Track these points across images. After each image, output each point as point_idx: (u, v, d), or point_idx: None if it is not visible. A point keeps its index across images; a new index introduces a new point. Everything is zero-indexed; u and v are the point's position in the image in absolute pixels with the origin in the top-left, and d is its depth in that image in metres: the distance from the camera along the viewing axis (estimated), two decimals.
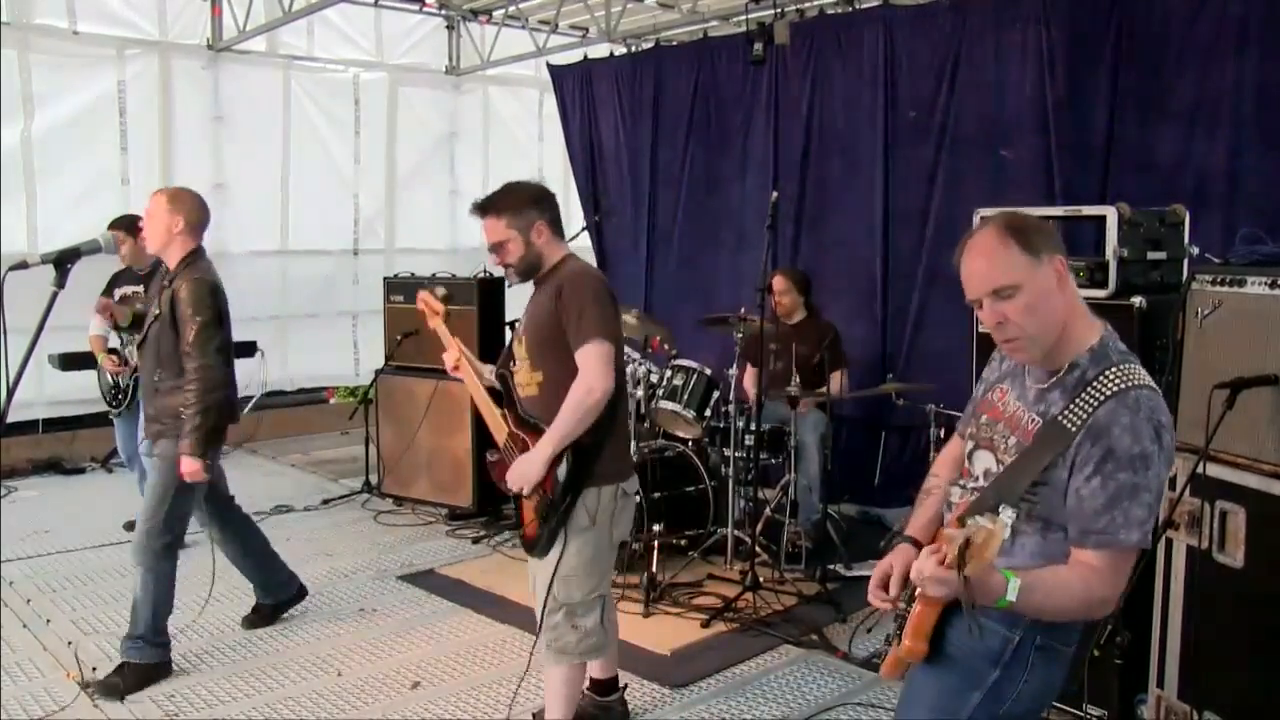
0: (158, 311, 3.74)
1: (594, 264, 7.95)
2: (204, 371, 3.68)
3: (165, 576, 3.84)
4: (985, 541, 1.63)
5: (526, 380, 3.07)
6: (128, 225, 5.32)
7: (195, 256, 3.82)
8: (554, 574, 3.01)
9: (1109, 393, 1.81)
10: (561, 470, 2.95)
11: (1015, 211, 1.97)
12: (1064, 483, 1.84)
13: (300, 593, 4.50)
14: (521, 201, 3.03)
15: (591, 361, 2.91)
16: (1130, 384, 1.82)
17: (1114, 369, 1.85)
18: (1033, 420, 1.92)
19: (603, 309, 2.97)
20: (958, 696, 1.94)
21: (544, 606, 3.05)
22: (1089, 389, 1.84)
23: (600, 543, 3.05)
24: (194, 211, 3.82)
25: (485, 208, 3.04)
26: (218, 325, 3.75)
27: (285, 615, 4.50)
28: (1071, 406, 1.84)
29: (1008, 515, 1.71)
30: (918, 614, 1.89)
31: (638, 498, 4.75)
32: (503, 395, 3.16)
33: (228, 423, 3.90)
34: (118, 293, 5.36)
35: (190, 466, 3.69)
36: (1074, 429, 1.82)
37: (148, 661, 3.82)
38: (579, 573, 3.02)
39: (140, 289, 5.38)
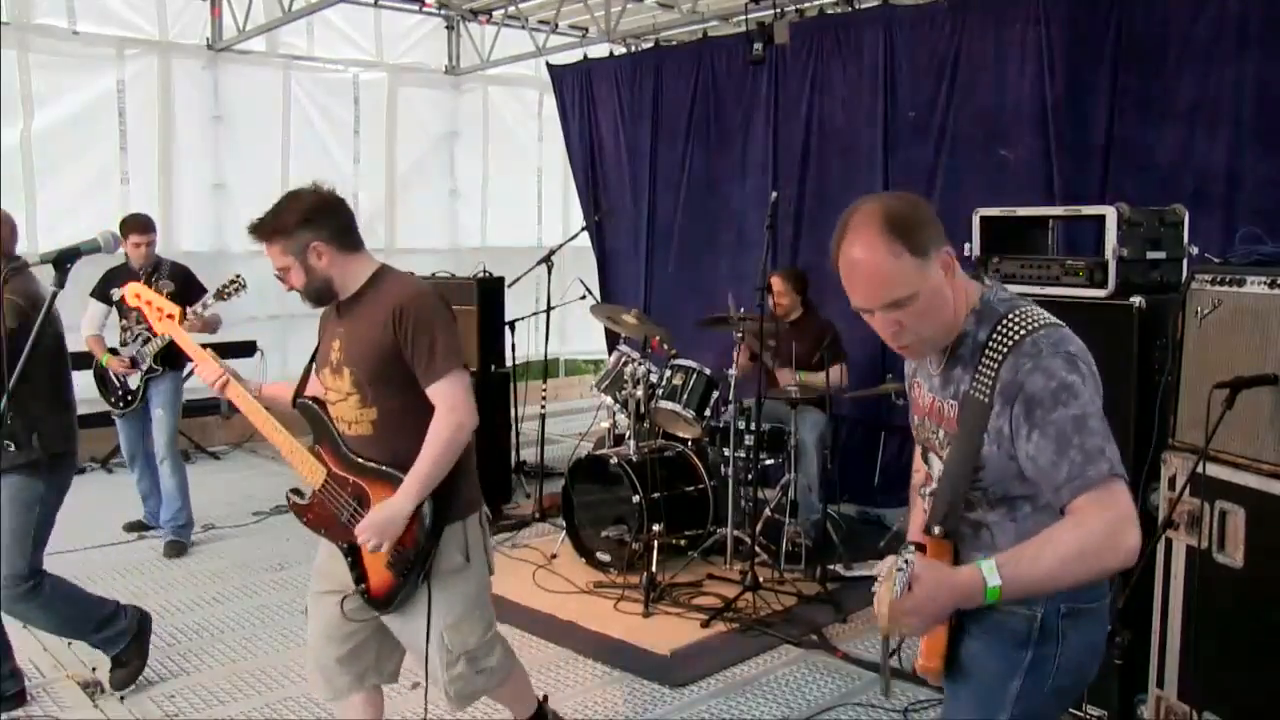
0: None
1: (595, 261, 7.99)
2: None
3: (54, 591, 3.59)
4: (882, 598, 1.64)
5: (354, 417, 2.67)
6: (132, 224, 5.31)
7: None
8: (429, 625, 2.66)
9: (1005, 348, 1.74)
10: (425, 517, 2.59)
11: (893, 201, 1.78)
12: (999, 456, 1.76)
13: (20, 697, 3.70)
14: (292, 222, 2.60)
15: (457, 395, 2.59)
16: (1023, 331, 1.74)
17: (1003, 322, 1.77)
18: (950, 406, 1.86)
19: (452, 333, 2.63)
20: (998, 690, 1.87)
21: (426, 659, 2.73)
22: (986, 352, 1.76)
23: (480, 577, 2.77)
24: None
25: (258, 232, 2.64)
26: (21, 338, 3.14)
27: (286, 617, 4.50)
28: (976, 376, 1.76)
29: (903, 560, 1.65)
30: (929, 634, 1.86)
31: (636, 499, 4.80)
32: (314, 428, 2.78)
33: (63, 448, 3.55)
34: (115, 292, 5.28)
35: None
36: (986, 398, 1.75)
37: (128, 636, 3.75)
38: (469, 615, 2.73)
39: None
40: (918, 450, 2.10)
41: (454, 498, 2.67)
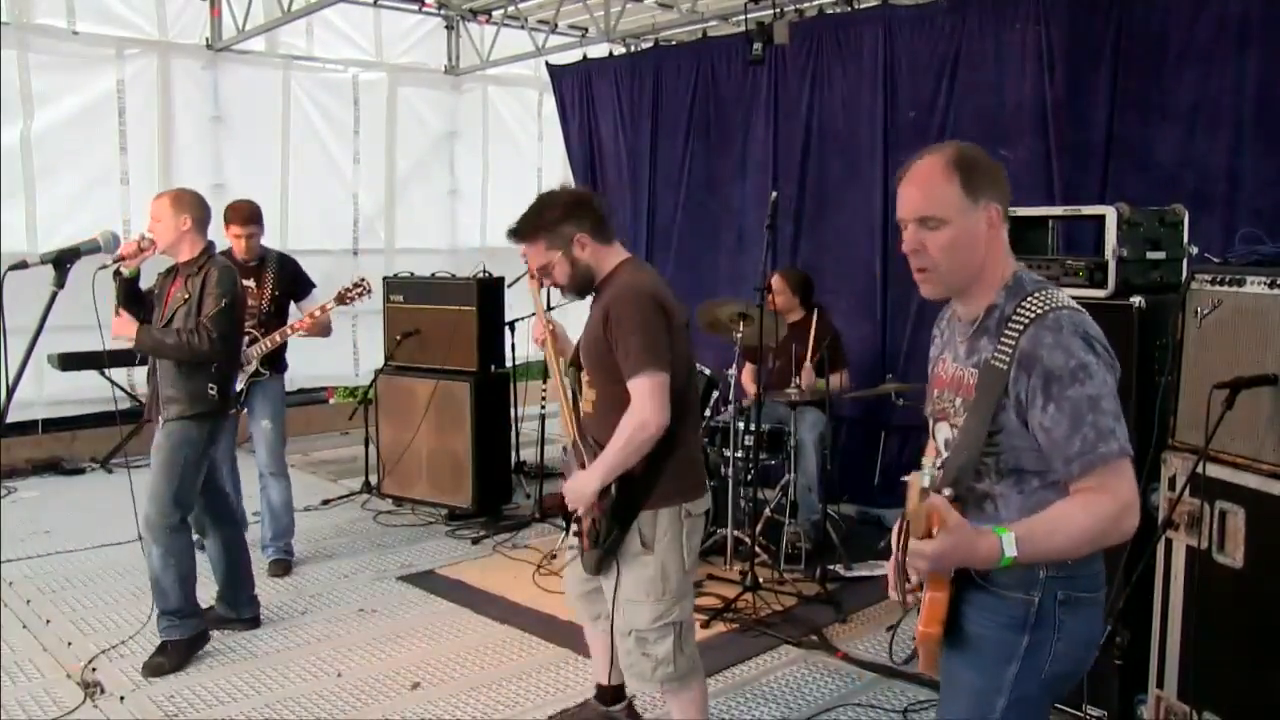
0: (186, 296, 3.89)
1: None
2: (201, 344, 3.82)
3: (185, 550, 3.96)
4: (910, 499, 1.67)
5: (587, 396, 2.94)
6: (231, 214, 4.99)
7: (212, 250, 4.04)
8: (614, 598, 2.89)
9: (1027, 320, 1.82)
10: (611, 499, 2.80)
11: (971, 147, 1.93)
12: (1016, 424, 1.83)
13: (254, 621, 4.37)
14: (555, 218, 2.81)
15: (643, 396, 2.70)
16: (1047, 307, 1.82)
17: (1030, 298, 1.85)
18: (970, 374, 1.92)
19: (649, 335, 2.72)
20: (995, 674, 1.90)
21: (612, 627, 2.97)
22: (1010, 323, 1.84)
23: (664, 567, 2.84)
24: (199, 209, 3.99)
25: (520, 234, 2.85)
26: (232, 310, 3.94)
27: (286, 617, 4.51)
28: (999, 346, 1.84)
29: (929, 467, 1.74)
30: (928, 599, 1.88)
31: None
32: (570, 396, 3.06)
33: (223, 408, 4.08)
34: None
35: (121, 329, 3.90)
36: (1004, 366, 1.82)
37: (187, 635, 3.98)
38: (639, 598, 2.85)
39: (251, 284, 4.96)
40: (930, 436, 2.14)
41: (650, 487, 2.81)
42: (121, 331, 3.89)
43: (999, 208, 1.89)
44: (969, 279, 1.91)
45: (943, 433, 2.01)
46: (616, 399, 2.78)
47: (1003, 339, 1.83)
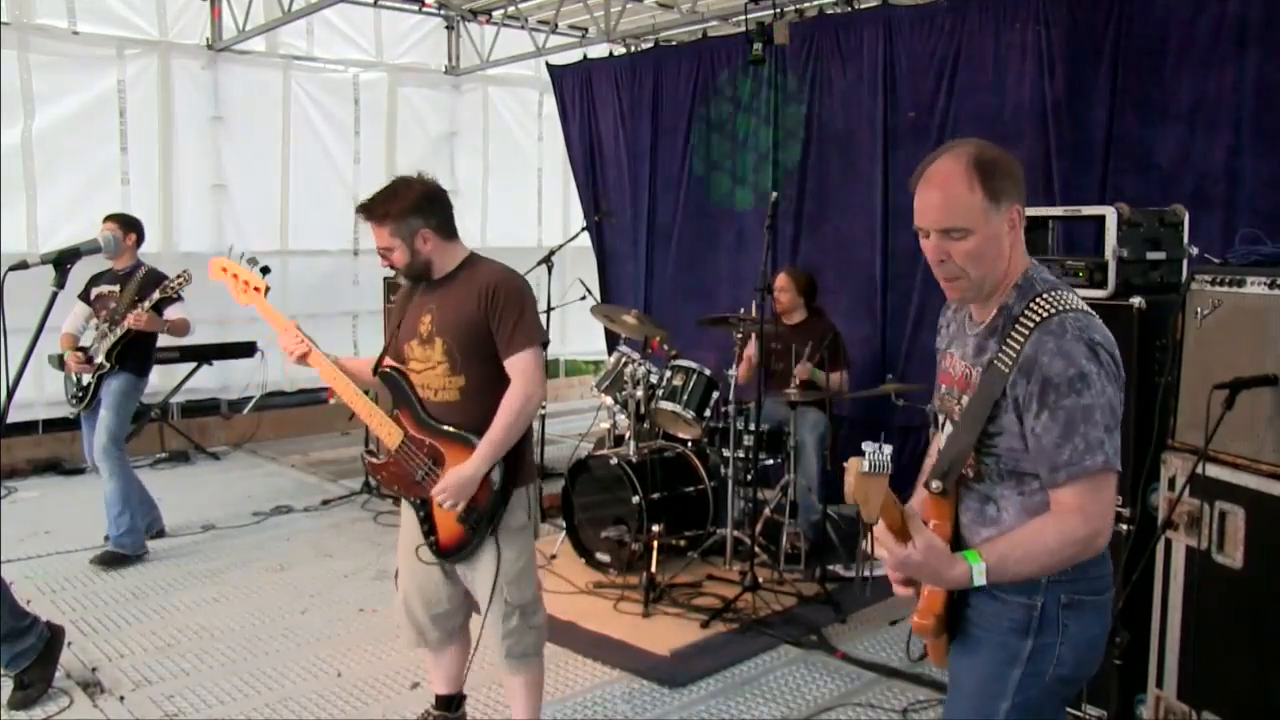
0: None
1: (595, 261, 8.01)
2: None
3: None
4: (851, 481, 1.66)
5: (441, 384, 2.92)
6: (124, 223, 5.14)
7: None
8: (496, 580, 2.93)
9: (1033, 324, 1.80)
10: (496, 478, 2.87)
11: (987, 146, 1.86)
12: (1016, 425, 1.82)
13: None
14: (405, 209, 2.84)
15: (531, 369, 2.86)
16: (1054, 310, 1.81)
17: (1039, 299, 1.83)
18: (977, 373, 1.91)
19: (535, 314, 2.95)
20: (998, 679, 1.90)
21: (487, 613, 3.00)
22: (1016, 325, 1.83)
23: (532, 539, 3.07)
24: None
25: (368, 212, 2.88)
26: None
27: (286, 617, 4.51)
28: (1004, 347, 1.84)
29: (868, 447, 1.68)
30: (926, 592, 1.92)
31: (635, 499, 4.80)
32: (394, 394, 2.99)
33: None
34: (94, 291, 5.17)
35: None
36: (1007, 368, 1.81)
37: (37, 651, 3.62)
38: (527, 571, 3.01)
39: (116, 289, 5.09)
40: (934, 433, 2.14)
41: (522, 464, 2.95)
42: None
43: (1020, 207, 1.86)
44: (999, 281, 1.87)
45: (947, 429, 2.00)
46: (490, 381, 2.88)
47: (1008, 341, 1.83)
